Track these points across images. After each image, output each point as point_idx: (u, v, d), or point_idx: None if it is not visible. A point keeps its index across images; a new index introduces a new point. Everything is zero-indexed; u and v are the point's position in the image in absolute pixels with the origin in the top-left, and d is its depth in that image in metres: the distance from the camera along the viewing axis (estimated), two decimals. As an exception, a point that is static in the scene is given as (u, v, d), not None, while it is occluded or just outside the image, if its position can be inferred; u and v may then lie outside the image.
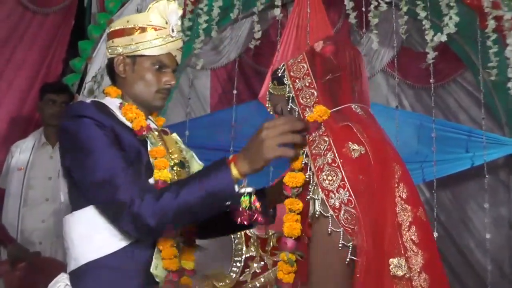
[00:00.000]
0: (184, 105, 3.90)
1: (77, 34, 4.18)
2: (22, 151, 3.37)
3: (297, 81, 1.66)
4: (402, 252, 1.46)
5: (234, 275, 3.17)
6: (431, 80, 3.38)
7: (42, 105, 3.48)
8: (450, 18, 3.30)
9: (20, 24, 3.97)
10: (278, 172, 3.57)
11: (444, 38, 3.33)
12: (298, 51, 3.54)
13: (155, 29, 1.74)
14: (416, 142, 3.61)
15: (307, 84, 1.64)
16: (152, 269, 1.63)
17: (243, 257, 3.19)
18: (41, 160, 3.37)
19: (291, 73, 1.68)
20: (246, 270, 3.18)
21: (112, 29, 1.81)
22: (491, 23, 3.30)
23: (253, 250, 3.19)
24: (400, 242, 1.47)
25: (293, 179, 1.56)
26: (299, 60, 1.70)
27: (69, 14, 4.18)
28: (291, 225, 1.55)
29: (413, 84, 3.96)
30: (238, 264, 3.19)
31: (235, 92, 3.64)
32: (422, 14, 3.38)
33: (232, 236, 3.20)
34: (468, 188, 3.78)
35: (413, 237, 1.49)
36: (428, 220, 1.57)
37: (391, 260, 1.45)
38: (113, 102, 1.76)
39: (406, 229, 1.49)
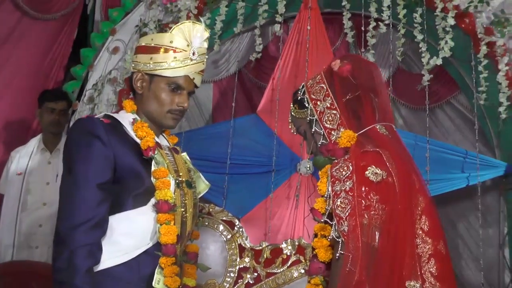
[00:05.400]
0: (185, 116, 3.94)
1: (79, 41, 4.22)
2: (22, 157, 3.38)
3: (318, 103, 1.64)
4: (420, 280, 1.47)
5: (228, 285, 3.17)
6: (426, 101, 3.42)
7: (41, 112, 3.50)
8: (446, 42, 3.37)
9: (16, 29, 3.95)
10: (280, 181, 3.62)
11: (439, 61, 3.39)
12: (297, 67, 3.61)
13: (174, 51, 1.76)
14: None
15: (328, 106, 1.62)
16: (154, 284, 1.68)
17: (237, 268, 3.19)
18: (39, 165, 3.38)
19: (312, 95, 1.66)
20: (239, 281, 3.16)
21: (138, 44, 1.84)
22: (483, 49, 3.36)
23: (247, 261, 3.19)
24: (418, 272, 1.48)
25: (323, 205, 1.55)
26: (317, 80, 1.68)
27: (72, 21, 4.20)
28: (326, 251, 1.57)
29: (407, 104, 4.01)
30: (232, 275, 3.19)
31: (233, 105, 3.70)
32: (419, 37, 3.46)
33: (226, 246, 3.22)
34: (460, 207, 3.83)
35: (432, 269, 1.50)
36: (448, 253, 1.58)
37: (407, 283, 1.45)
38: (126, 117, 1.79)
39: (425, 261, 1.50)
